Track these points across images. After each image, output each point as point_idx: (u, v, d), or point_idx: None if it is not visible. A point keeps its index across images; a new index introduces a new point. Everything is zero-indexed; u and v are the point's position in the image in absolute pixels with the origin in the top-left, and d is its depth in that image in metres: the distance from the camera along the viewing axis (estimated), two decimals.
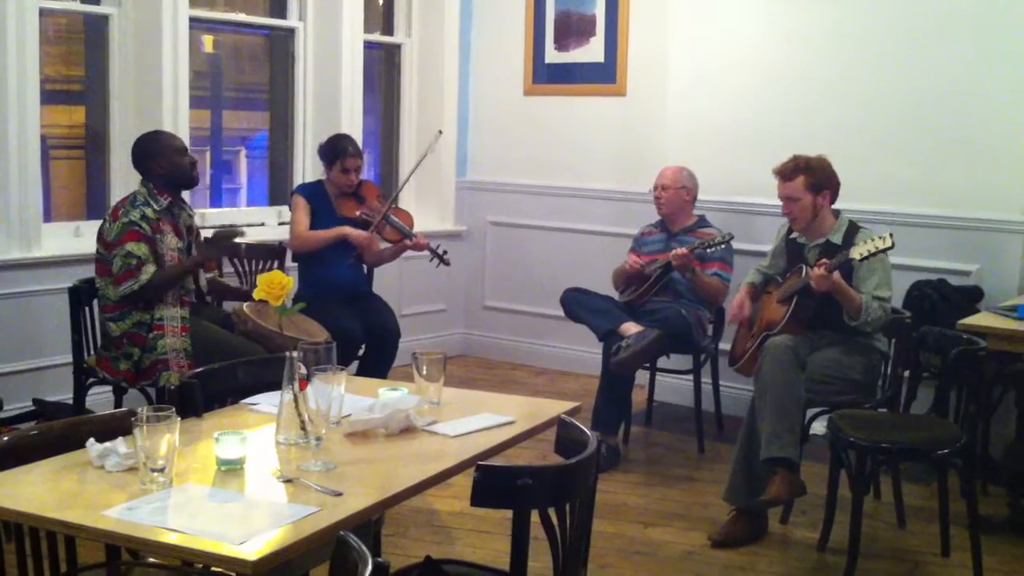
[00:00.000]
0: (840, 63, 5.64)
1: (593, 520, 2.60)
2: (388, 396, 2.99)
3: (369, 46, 6.82)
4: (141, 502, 2.25)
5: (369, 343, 5.36)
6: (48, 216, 5.43)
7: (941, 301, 5.06)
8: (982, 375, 4.02)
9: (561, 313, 5.58)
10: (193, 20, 5.76)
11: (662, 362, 5.70)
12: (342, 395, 2.59)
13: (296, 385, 2.61)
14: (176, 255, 4.52)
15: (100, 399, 4.82)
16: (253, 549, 2.05)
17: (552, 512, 2.40)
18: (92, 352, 4.63)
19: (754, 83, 5.91)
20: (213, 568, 2.27)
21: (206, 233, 4.89)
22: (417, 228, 5.67)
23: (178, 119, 5.57)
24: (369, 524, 2.68)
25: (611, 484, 4.84)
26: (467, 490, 2.32)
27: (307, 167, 6.49)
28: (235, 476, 2.46)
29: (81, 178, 5.84)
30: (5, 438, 2.59)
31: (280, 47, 6.57)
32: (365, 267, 5.73)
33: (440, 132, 6.47)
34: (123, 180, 5.60)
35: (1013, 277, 5.20)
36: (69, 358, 4.66)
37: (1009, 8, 5.22)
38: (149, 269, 4.37)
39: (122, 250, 4.36)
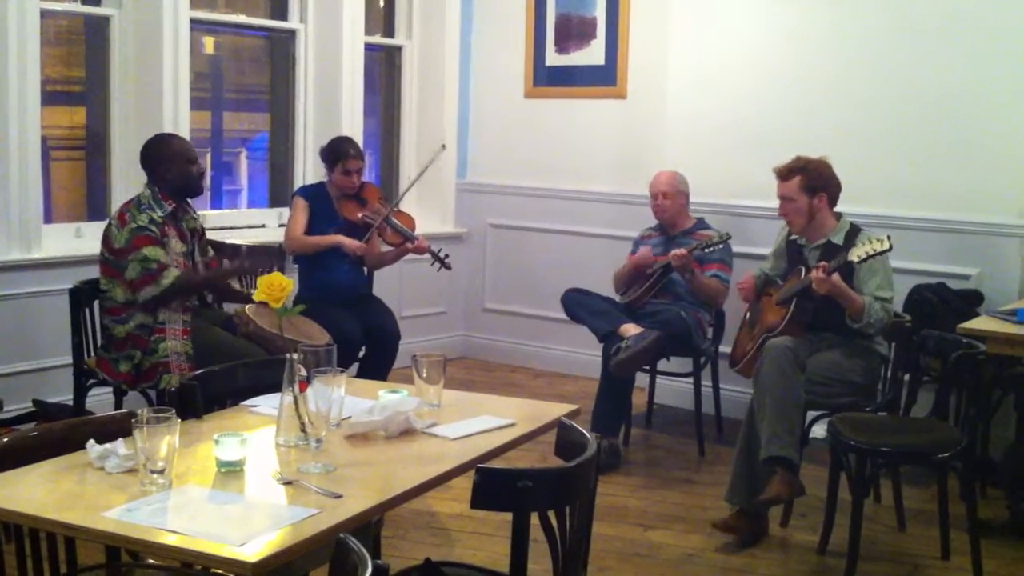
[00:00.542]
0: (840, 65, 5.64)
1: (593, 522, 2.60)
2: (388, 398, 2.99)
3: (370, 48, 6.83)
4: (141, 503, 2.25)
5: (369, 345, 5.36)
6: (48, 217, 5.43)
7: (941, 305, 5.06)
8: (982, 378, 4.02)
9: (561, 315, 5.59)
10: (194, 22, 5.77)
11: (662, 364, 5.70)
12: (342, 397, 2.59)
13: (296, 387, 2.61)
14: (181, 259, 4.52)
15: (100, 401, 4.82)
16: (253, 551, 2.05)
17: (552, 514, 2.39)
18: (92, 354, 4.63)
19: (754, 85, 5.91)
20: (213, 570, 2.27)
21: (213, 236, 4.91)
22: (417, 230, 5.67)
23: (179, 120, 5.58)
24: (369, 526, 2.68)
25: (611, 486, 4.84)
26: (467, 492, 2.32)
27: (308, 169, 6.49)
28: (235, 478, 2.46)
29: (81, 179, 5.84)
30: (5, 439, 2.58)
31: (281, 49, 6.57)
32: (365, 269, 5.73)
33: (444, 146, 6.48)
34: (123, 181, 5.61)
35: (1013, 281, 5.20)
36: (69, 359, 4.66)
37: (1009, 10, 5.22)
38: (171, 273, 4.37)
39: (138, 255, 4.35)
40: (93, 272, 4.65)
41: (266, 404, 2.99)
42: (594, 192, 6.80)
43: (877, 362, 4.52)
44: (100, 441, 2.49)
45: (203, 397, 2.94)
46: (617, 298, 5.55)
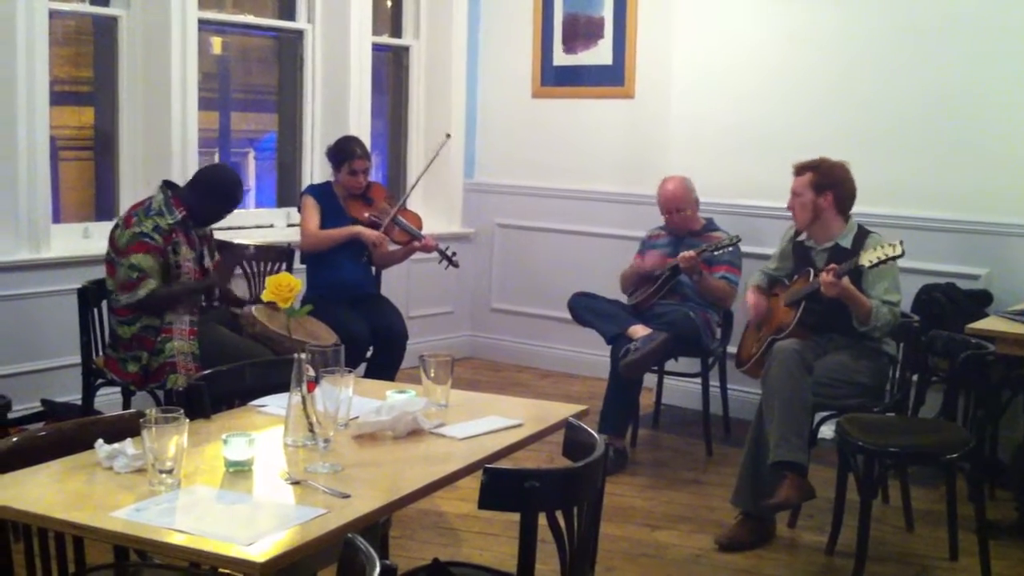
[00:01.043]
0: (845, 65, 5.63)
1: (600, 523, 2.60)
2: (396, 398, 2.99)
3: (377, 48, 6.83)
4: (149, 503, 2.25)
5: (377, 345, 5.36)
6: (57, 217, 5.44)
7: (950, 305, 5.05)
8: (990, 379, 4.01)
9: (568, 315, 5.58)
10: (202, 22, 5.77)
11: (670, 365, 5.70)
12: (350, 397, 2.59)
13: (304, 387, 2.61)
14: (192, 266, 4.53)
15: (108, 400, 4.83)
16: (261, 551, 2.05)
17: (559, 515, 2.40)
18: (100, 353, 4.63)
19: (760, 85, 5.90)
20: (221, 569, 2.27)
21: (220, 236, 4.92)
22: (424, 230, 5.68)
23: (187, 121, 5.59)
24: (377, 526, 2.68)
25: (618, 487, 4.83)
26: (475, 493, 2.32)
27: (315, 169, 6.49)
28: (243, 478, 2.46)
29: (90, 179, 5.85)
30: (14, 439, 2.59)
31: (289, 49, 6.58)
32: (373, 269, 5.74)
33: (448, 136, 6.47)
34: (131, 181, 5.62)
35: (1022, 281, 5.17)
36: (77, 359, 4.67)
37: (1016, 9, 5.20)
38: (148, 284, 4.37)
39: (127, 260, 4.37)
40: (101, 272, 4.65)
41: (274, 404, 2.99)
42: (601, 192, 6.80)
43: (885, 363, 4.51)
44: (108, 441, 2.50)
45: (211, 397, 2.94)
46: (624, 299, 5.55)
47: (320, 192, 5.56)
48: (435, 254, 5.60)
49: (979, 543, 3.92)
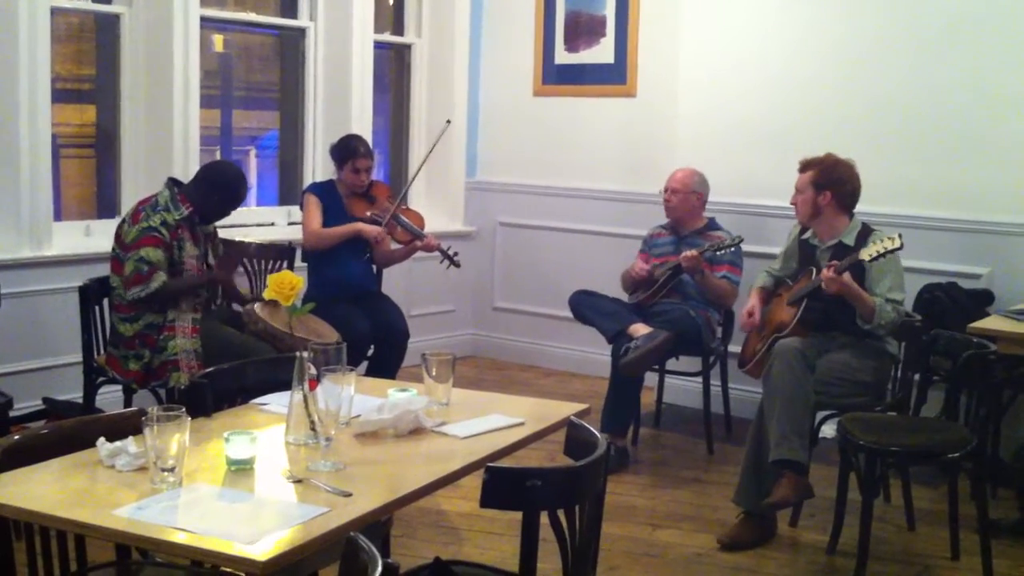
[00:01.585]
0: (850, 63, 5.62)
1: (602, 522, 2.59)
2: (397, 397, 2.99)
3: (379, 46, 6.83)
4: (151, 501, 2.25)
5: (378, 344, 5.37)
6: (58, 215, 5.44)
7: (951, 304, 5.04)
8: (992, 378, 4.01)
9: (570, 314, 5.58)
10: (204, 19, 5.77)
11: (671, 364, 5.70)
12: (351, 395, 2.59)
13: (306, 385, 2.61)
14: (195, 263, 4.54)
15: (110, 398, 4.83)
16: (262, 549, 2.05)
17: (561, 514, 2.40)
18: (102, 351, 4.64)
19: (763, 84, 5.90)
20: (223, 568, 2.27)
21: (223, 234, 4.91)
22: (426, 229, 5.68)
23: (188, 118, 5.58)
24: (378, 525, 2.68)
25: (620, 486, 4.83)
26: (476, 491, 2.32)
27: (317, 167, 6.49)
28: (245, 476, 2.46)
29: (91, 177, 5.85)
30: (16, 437, 2.59)
31: (290, 47, 6.58)
32: (375, 267, 5.74)
33: (448, 122, 6.45)
34: (133, 179, 5.62)
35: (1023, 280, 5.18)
36: (79, 357, 4.67)
37: (1021, 9, 5.20)
38: (160, 277, 4.38)
39: (136, 254, 4.37)
40: (103, 270, 4.66)
41: (276, 402, 2.99)
42: (603, 191, 6.79)
43: (887, 362, 4.50)
44: (110, 439, 2.50)
45: (212, 395, 2.94)
46: (625, 298, 5.54)
47: (322, 190, 5.56)
48: (436, 254, 5.60)
49: (981, 542, 3.91)
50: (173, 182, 4.59)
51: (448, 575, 2.77)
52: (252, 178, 6.80)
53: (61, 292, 5.08)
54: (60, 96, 5.47)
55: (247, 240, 5.66)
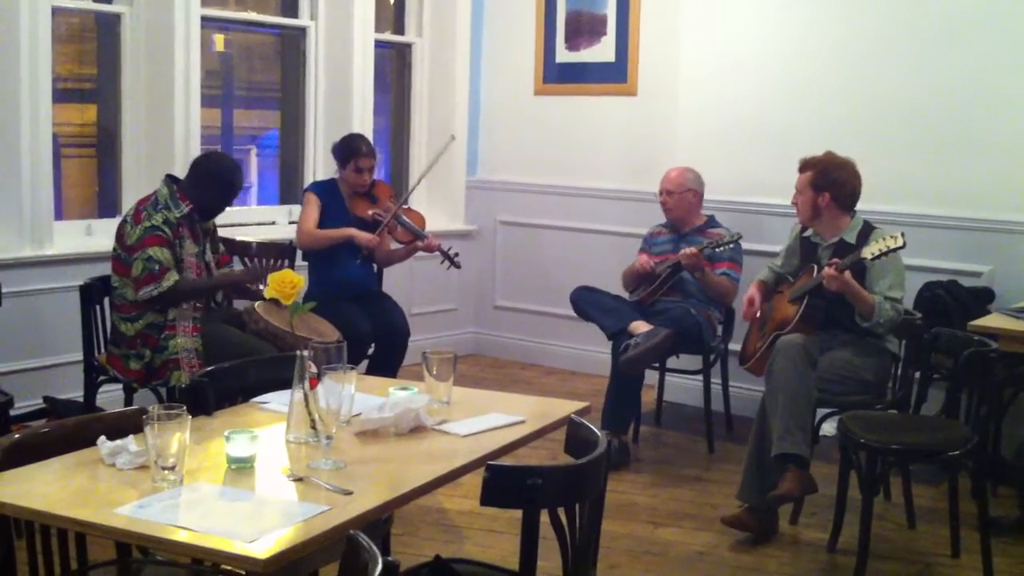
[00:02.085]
0: (851, 62, 5.63)
1: (603, 520, 2.60)
2: (398, 395, 2.99)
3: (380, 45, 6.83)
4: (152, 500, 2.26)
5: (379, 342, 5.37)
6: (60, 214, 5.45)
7: (952, 302, 5.04)
8: (993, 376, 4.01)
9: (571, 313, 5.59)
10: (205, 19, 5.77)
11: (671, 362, 5.70)
12: (352, 394, 2.59)
13: (307, 384, 2.62)
14: (194, 261, 4.54)
15: (110, 397, 4.83)
16: (263, 547, 2.05)
17: (562, 512, 2.40)
18: (103, 350, 4.64)
19: (764, 82, 5.90)
20: (223, 566, 2.27)
21: (223, 233, 4.91)
22: (427, 228, 5.68)
23: (189, 118, 5.59)
24: (379, 523, 2.68)
25: (621, 484, 4.83)
26: (477, 489, 2.32)
27: (318, 166, 6.50)
28: (246, 474, 2.47)
29: (92, 176, 5.86)
30: (16, 436, 2.59)
31: (291, 46, 6.58)
32: (375, 266, 5.74)
33: (453, 137, 6.48)
34: (134, 179, 5.62)
35: None
36: (80, 356, 4.68)
37: (1021, 7, 5.20)
38: (172, 276, 4.38)
39: (144, 254, 4.37)
40: (103, 269, 4.66)
41: (276, 401, 2.99)
42: (604, 189, 6.79)
43: (888, 360, 4.51)
44: (111, 438, 2.50)
45: (214, 394, 2.95)
46: (626, 296, 5.55)
47: (324, 189, 5.56)
48: (437, 254, 5.60)
49: (981, 540, 3.91)
50: (171, 179, 4.59)
51: (449, 573, 2.77)
52: (253, 177, 6.82)
53: (62, 291, 5.09)
54: (61, 96, 5.47)
55: (248, 239, 5.65)
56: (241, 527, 2.15)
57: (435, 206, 7.08)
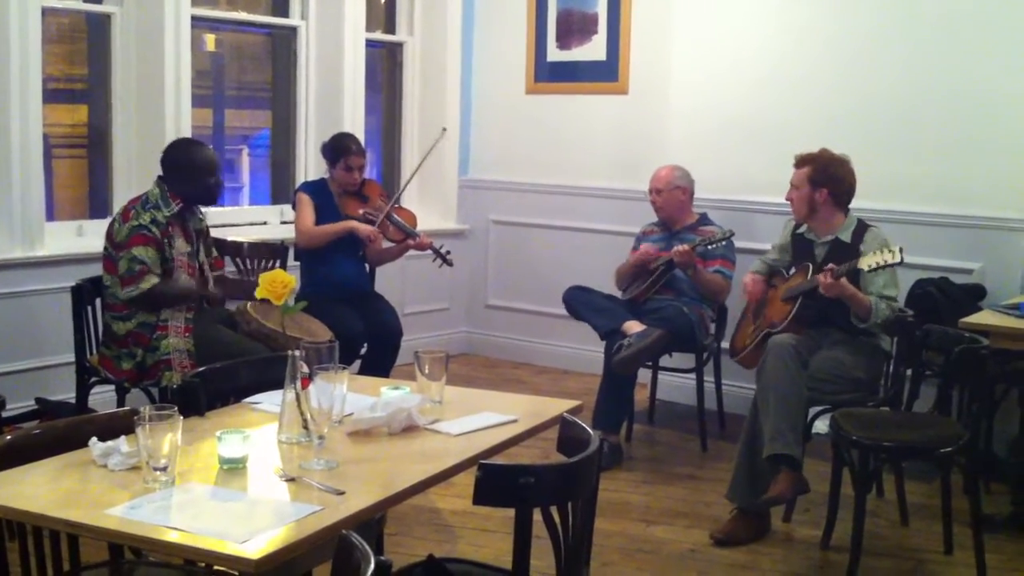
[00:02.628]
0: (845, 60, 5.63)
1: (595, 518, 2.60)
2: (390, 395, 2.99)
3: (371, 44, 6.82)
4: (144, 501, 2.25)
5: (371, 342, 5.36)
6: (51, 215, 5.43)
7: (944, 299, 5.05)
8: (985, 373, 4.02)
9: (563, 312, 5.59)
10: (195, 19, 5.75)
11: (664, 360, 5.70)
12: (344, 394, 2.59)
13: (298, 384, 2.61)
14: (185, 260, 4.53)
15: (102, 398, 4.83)
16: (256, 548, 2.05)
17: (554, 510, 2.40)
18: (94, 351, 4.63)
19: (757, 81, 5.90)
20: (216, 567, 2.27)
21: (215, 233, 4.89)
22: (419, 227, 5.67)
23: (180, 118, 5.57)
24: (372, 523, 2.68)
25: (613, 482, 4.84)
26: (469, 489, 2.32)
27: (309, 166, 6.49)
28: (237, 475, 2.46)
29: (83, 177, 5.84)
30: (8, 437, 2.59)
31: (282, 46, 6.57)
32: (368, 266, 5.73)
33: (444, 129, 6.47)
34: (125, 179, 5.61)
35: (1015, 275, 5.19)
36: (71, 357, 4.66)
37: (1017, 4, 5.21)
38: (151, 279, 4.38)
39: (128, 253, 4.37)
40: (95, 270, 4.65)
41: (268, 401, 2.99)
42: (596, 188, 6.80)
43: (880, 357, 4.51)
44: (103, 439, 2.50)
45: (205, 394, 2.94)
46: (619, 295, 5.55)
47: (315, 189, 5.56)
48: (429, 252, 5.60)
49: (974, 537, 3.92)
50: (163, 179, 4.58)
51: (441, 573, 2.77)
52: (244, 177, 6.81)
53: (53, 292, 5.07)
54: (52, 96, 5.46)
55: (239, 239, 5.64)
56: (233, 528, 2.14)
57: (427, 205, 7.08)
